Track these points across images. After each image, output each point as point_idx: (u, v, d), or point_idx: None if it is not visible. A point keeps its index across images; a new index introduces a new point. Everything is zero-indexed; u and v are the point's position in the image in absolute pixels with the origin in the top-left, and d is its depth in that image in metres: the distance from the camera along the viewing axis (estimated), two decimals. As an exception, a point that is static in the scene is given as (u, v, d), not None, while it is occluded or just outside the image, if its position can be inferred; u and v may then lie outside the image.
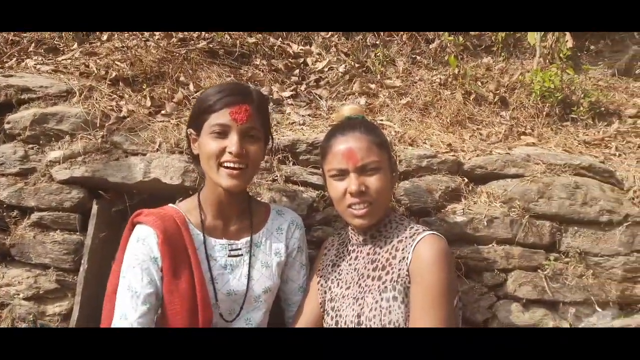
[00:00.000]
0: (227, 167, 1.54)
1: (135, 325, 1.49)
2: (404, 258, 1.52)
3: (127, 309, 1.50)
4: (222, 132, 1.54)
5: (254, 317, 1.68)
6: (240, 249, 1.67)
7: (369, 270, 1.60)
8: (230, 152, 1.52)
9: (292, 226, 1.78)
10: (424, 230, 1.56)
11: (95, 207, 2.12)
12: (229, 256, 1.65)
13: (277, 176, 2.12)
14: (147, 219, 1.58)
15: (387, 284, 1.52)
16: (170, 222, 1.59)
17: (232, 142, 1.53)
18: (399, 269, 1.51)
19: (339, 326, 1.59)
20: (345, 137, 1.59)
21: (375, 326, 1.48)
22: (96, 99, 2.23)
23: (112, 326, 1.52)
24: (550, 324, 1.99)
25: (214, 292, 1.60)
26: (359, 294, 1.57)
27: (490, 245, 2.01)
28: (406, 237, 1.56)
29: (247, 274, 1.65)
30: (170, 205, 1.69)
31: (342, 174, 1.58)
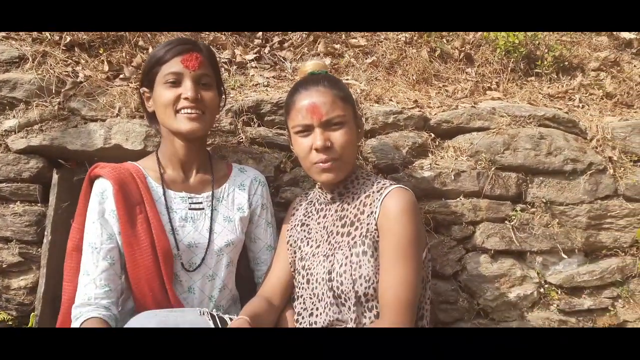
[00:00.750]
0: (184, 113, 1.53)
1: (97, 281, 1.46)
2: (372, 212, 1.49)
3: (89, 265, 1.48)
4: (176, 81, 1.52)
5: (217, 271, 1.64)
6: (201, 202, 1.64)
7: (337, 227, 1.56)
8: (186, 98, 1.51)
9: (254, 182, 1.75)
10: (390, 184, 1.53)
11: (55, 177, 2.02)
12: (189, 209, 1.61)
13: (242, 138, 2.05)
14: (102, 171, 1.55)
15: (357, 239, 1.48)
16: (126, 174, 1.56)
17: (186, 88, 1.52)
18: (368, 224, 1.48)
19: (310, 284, 1.56)
20: (308, 92, 1.53)
21: (346, 281, 1.45)
22: (50, 65, 2.11)
23: (78, 282, 1.49)
24: (518, 273, 1.99)
25: (175, 243, 1.56)
26: (329, 251, 1.54)
27: (458, 199, 1.99)
28: (373, 192, 1.53)
29: (208, 227, 1.62)
30: (129, 162, 1.66)
31: (306, 130, 1.52)
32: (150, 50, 2.31)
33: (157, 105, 1.56)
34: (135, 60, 2.23)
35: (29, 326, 1.98)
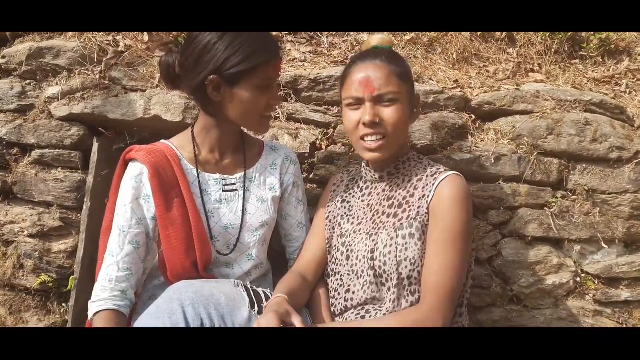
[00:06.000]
0: (267, 117, 1.49)
1: (120, 264, 1.42)
2: (424, 196, 1.40)
3: (114, 247, 1.42)
4: (268, 86, 1.43)
5: (252, 250, 1.58)
6: (234, 183, 1.55)
7: (384, 207, 1.48)
8: (272, 105, 1.47)
9: (286, 161, 1.65)
10: (445, 170, 1.43)
11: (95, 145, 1.99)
12: (223, 191, 1.53)
13: (278, 114, 1.97)
14: (137, 154, 1.46)
15: (404, 222, 1.40)
16: (161, 157, 1.46)
17: (274, 94, 1.46)
18: (419, 207, 1.39)
19: (349, 261, 1.48)
20: (364, 64, 1.43)
21: (390, 262, 1.37)
22: (92, 33, 2.05)
23: (104, 260, 1.44)
24: (555, 261, 1.88)
25: (209, 228, 1.49)
26: (373, 230, 1.46)
27: (497, 183, 1.87)
28: (427, 176, 1.43)
29: (242, 208, 1.54)
30: (163, 141, 1.55)
31: (357, 103, 1.42)
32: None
33: (240, 105, 1.41)
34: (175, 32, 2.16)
35: (68, 289, 1.97)
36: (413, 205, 1.41)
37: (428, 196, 1.39)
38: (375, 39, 1.53)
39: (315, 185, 1.94)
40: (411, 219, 1.39)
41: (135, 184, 1.44)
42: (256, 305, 1.36)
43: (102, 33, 2.06)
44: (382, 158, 1.45)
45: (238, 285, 1.42)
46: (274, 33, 2.29)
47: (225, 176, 1.55)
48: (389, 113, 1.40)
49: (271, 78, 1.42)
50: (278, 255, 1.80)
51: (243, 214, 1.54)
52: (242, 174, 1.57)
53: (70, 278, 1.96)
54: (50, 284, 2.00)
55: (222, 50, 1.37)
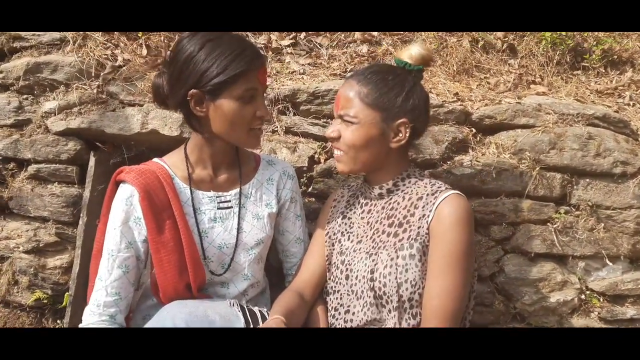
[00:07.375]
0: (257, 130, 1.43)
1: (109, 289, 1.39)
2: (424, 215, 1.36)
3: (103, 271, 1.40)
4: (252, 97, 1.38)
5: (248, 269, 1.54)
6: (229, 200, 1.51)
7: (384, 225, 1.44)
8: (260, 117, 1.40)
9: (283, 177, 1.61)
10: (447, 188, 1.39)
11: (92, 160, 1.97)
12: (218, 208, 1.49)
13: (277, 127, 1.95)
14: (128, 176, 1.42)
15: (404, 242, 1.36)
16: (152, 178, 1.42)
17: (261, 106, 1.40)
18: (419, 227, 1.35)
19: (349, 280, 1.45)
20: (346, 80, 1.43)
21: (390, 284, 1.33)
22: (90, 48, 2.04)
23: (94, 283, 1.42)
24: (559, 277, 1.84)
25: (202, 248, 1.45)
26: (373, 249, 1.42)
27: (499, 198, 1.84)
28: (427, 195, 1.39)
29: (237, 227, 1.50)
30: (155, 159, 1.51)
31: (335, 118, 1.46)
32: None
33: (224, 117, 1.37)
34: (174, 45, 2.14)
35: (63, 305, 1.95)
36: (413, 225, 1.37)
37: (428, 216, 1.35)
38: (406, 55, 1.45)
39: (313, 199, 1.91)
40: (412, 240, 1.36)
41: (125, 207, 1.41)
42: (252, 325, 1.33)
43: (99, 47, 2.05)
44: (344, 171, 1.46)
45: (233, 305, 1.39)
46: (272, 37, 2.29)
47: (220, 193, 1.51)
48: (347, 133, 1.41)
49: (254, 88, 1.37)
50: (275, 271, 1.77)
51: (238, 233, 1.50)
52: (238, 190, 1.53)
53: (65, 294, 1.93)
54: (45, 301, 1.98)
55: (200, 62, 1.33)
